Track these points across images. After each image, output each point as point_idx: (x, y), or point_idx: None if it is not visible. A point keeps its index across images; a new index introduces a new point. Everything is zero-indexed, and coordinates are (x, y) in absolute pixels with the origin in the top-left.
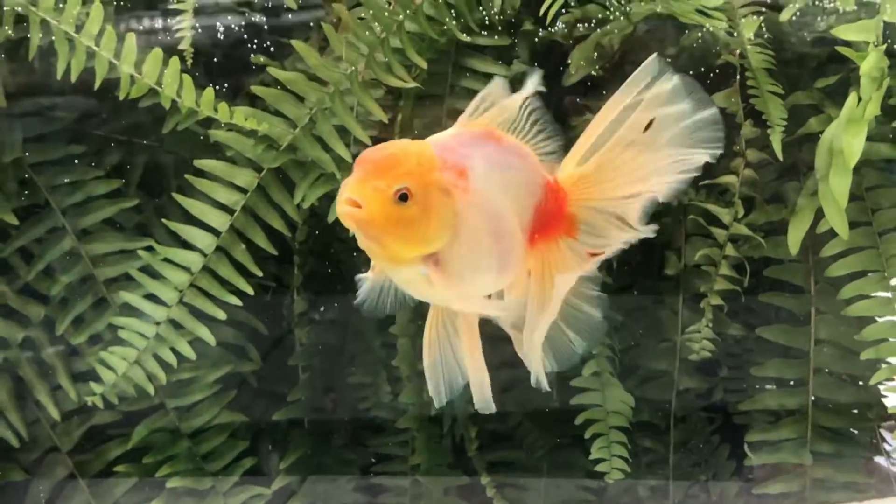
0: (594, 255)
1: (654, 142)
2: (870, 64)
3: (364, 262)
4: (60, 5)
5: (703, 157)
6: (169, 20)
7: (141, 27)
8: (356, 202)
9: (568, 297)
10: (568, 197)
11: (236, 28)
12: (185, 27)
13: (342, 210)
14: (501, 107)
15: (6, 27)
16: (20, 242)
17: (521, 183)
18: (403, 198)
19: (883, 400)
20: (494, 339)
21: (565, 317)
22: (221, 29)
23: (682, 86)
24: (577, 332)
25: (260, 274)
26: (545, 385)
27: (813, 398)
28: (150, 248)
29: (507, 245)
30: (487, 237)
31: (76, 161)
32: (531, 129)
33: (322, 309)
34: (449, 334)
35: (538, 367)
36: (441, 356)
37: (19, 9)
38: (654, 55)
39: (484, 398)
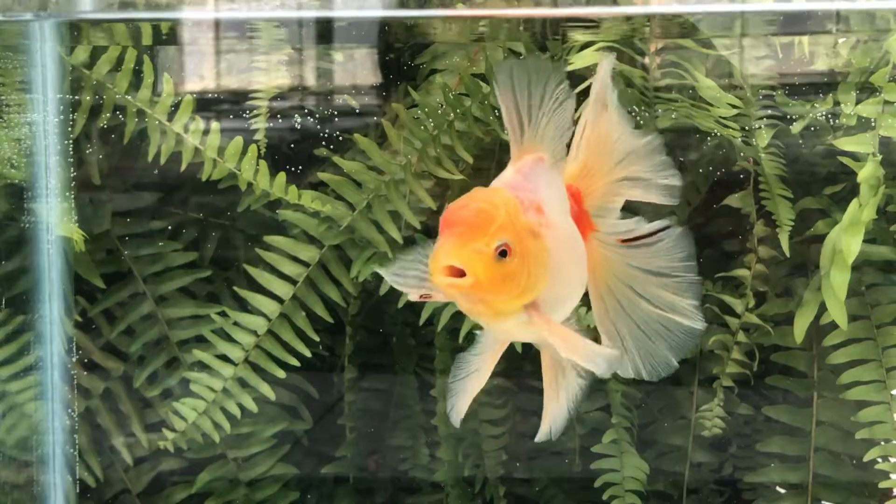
0: (625, 241)
1: (613, 119)
2: (867, 172)
3: (411, 335)
4: (155, 98)
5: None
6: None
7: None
8: (457, 269)
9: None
10: (581, 193)
11: (305, 126)
12: (260, 124)
13: (443, 281)
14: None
15: (106, 114)
16: (105, 305)
17: (565, 197)
18: (503, 254)
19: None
20: (524, 412)
21: (659, 332)
22: (293, 126)
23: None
24: (671, 347)
25: (318, 339)
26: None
27: (813, 474)
28: (222, 313)
29: (584, 266)
30: (572, 266)
31: (158, 235)
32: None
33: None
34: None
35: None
36: (556, 394)
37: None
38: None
39: (547, 430)
